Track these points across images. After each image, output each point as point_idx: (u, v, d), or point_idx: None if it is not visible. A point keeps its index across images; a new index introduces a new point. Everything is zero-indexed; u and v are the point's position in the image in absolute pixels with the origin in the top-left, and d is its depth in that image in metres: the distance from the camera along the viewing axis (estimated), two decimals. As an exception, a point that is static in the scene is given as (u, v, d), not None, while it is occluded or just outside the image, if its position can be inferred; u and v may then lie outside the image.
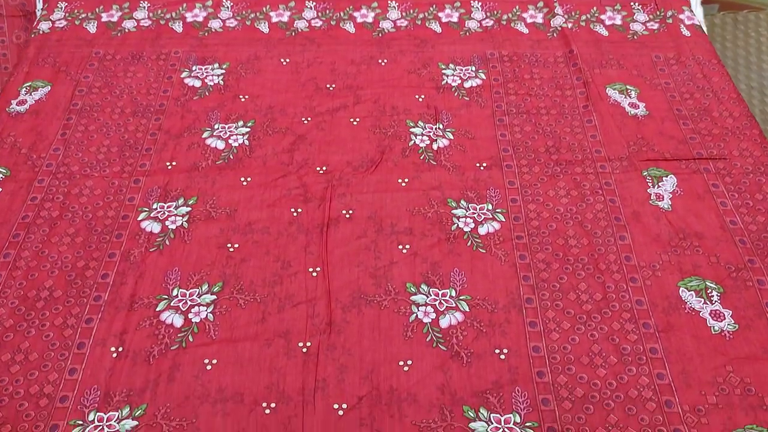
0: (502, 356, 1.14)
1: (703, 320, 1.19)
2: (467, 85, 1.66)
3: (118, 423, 1.06)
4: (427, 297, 1.23)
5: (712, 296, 1.22)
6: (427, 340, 1.17)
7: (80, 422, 1.06)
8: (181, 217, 1.36)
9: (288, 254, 1.29)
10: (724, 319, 1.19)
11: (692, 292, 1.23)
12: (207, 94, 1.64)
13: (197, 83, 1.66)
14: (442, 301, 1.22)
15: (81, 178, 1.43)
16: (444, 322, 1.19)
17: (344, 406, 1.08)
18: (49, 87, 1.64)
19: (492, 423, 1.06)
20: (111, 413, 1.07)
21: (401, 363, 1.13)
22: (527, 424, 1.06)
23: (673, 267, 1.27)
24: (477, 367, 1.13)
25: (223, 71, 1.69)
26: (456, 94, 1.64)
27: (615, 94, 1.63)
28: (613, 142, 1.50)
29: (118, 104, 1.60)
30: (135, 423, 1.06)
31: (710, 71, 1.68)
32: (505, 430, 1.05)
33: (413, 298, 1.22)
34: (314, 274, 1.26)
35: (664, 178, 1.42)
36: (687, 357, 1.14)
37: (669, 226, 1.33)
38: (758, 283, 1.23)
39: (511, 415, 1.07)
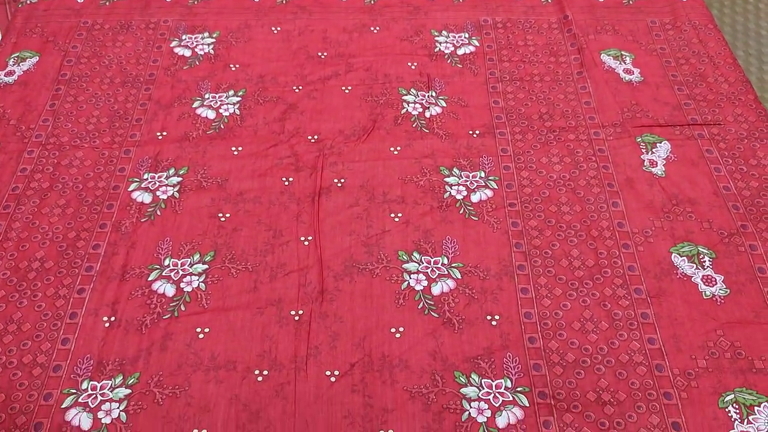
0: (494, 323, 1.14)
1: (694, 285, 1.19)
2: (460, 52, 1.65)
3: (111, 391, 1.07)
4: (419, 265, 1.23)
5: (704, 261, 1.22)
6: (419, 307, 1.17)
7: (74, 391, 1.07)
8: (172, 187, 1.35)
9: (280, 223, 1.29)
10: (716, 284, 1.19)
11: (684, 258, 1.23)
12: (197, 63, 1.62)
13: (187, 52, 1.65)
14: (434, 268, 1.22)
15: (71, 149, 1.42)
16: (436, 290, 1.19)
17: (336, 372, 1.09)
18: (38, 57, 1.62)
19: (483, 388, 1.07)
20: (104, 382, 1.08)
21: (393, 330, 1.14)
22: (518, 389, 1.07)
23: (665, 233, 1.26)
24: (468, 333, 1.13)
25: (213, 40, 1.67)
26: (449, 61, 1.62)
27: (609, 60, 1.61)
28: (607, 109, 1.49)
29: (107, 74, 1.59)
30: (128, 391, 1.07)
31: (706, 36, 1.67)
32: (497, 395, 1.06)
33: (405, 266, 1.22)
34: (306, 242, 1.26)
35: (658, 144, 1.41)
36: (678, 322, 1.14)
37: (662, 192, 1.33)
38: (750, 248, 1.23)
39: (502, 381, 1.08)
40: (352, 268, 1.22)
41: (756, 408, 1.03)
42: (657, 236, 1.26)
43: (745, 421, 1.02)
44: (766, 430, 1.01)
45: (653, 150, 1.40)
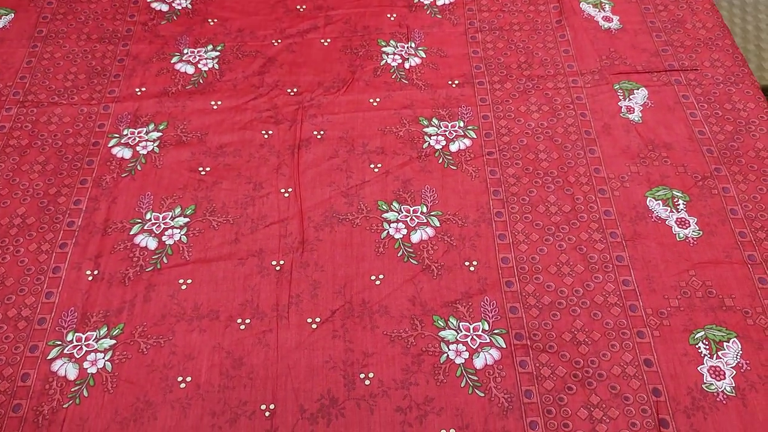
0: (472, 268, 1.17)
1: (668, 228, 1.21)
2: (439, 2, 1.63)
3: (96, 342, 1.09)
4: (399, 214, 1.24)
5: (678, 205, 1.24)
6: (399, 255, 1.19)
7: (59, 342, 1.09)
8: (152, 143, 1.35)
9: (260, 176, 1.29)
10: (689, 226, 1.21)
11: (659, 202, 1.25)
12: (175, 18, 1.61)
13: (164, 7, 1.63)
14: (414, 217, 1.24)
15: (49, 106, 1.41)
16: (415, 238, 1.21)
17: (317, 319, 1.11)
18: (12, 14, 1.60)
19: (461, 331, 1.09)
20: (89, 333, 1.10)
21: (373, 277, 1.16)
22: (495, 331, 1.09)
23: (641, 178, 1.28)
24: (447, 279, 1.15)
25: (191, -6, 1.66)
26: (428, 12, 1.61)
27: (589, 8, 1.60)
28: (586, 57, 1.49)
29: (83, 30, 1.57)
30: (113, 342, 1.09)
31: (686, -18, 1.66)
32: (474, 337, 1.09)
33: (385, 215, 1.24)
34: (286, 194, 1.27)
35: (635, 91, 1.42)
36: (652, 264, 1.17)
37: (638, 138, 1.34)
38: (723, 190, 1.25)
39: (479, 323, 1.10)
40: (332, 219, 1.23)
41: (725, 343, 1.06)
42: (633, 181, 1.28)
43: (714, 356, 1.05)
44: (734, 363, 1.04)
45: (630, 97, 1.41)
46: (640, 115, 1.38)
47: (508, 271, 1.16)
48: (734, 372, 1.03)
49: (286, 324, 1.10)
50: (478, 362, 1.06)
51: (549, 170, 1.30)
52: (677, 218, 1.22)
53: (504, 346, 1.08)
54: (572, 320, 1.10)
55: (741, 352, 1.05)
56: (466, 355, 1.07)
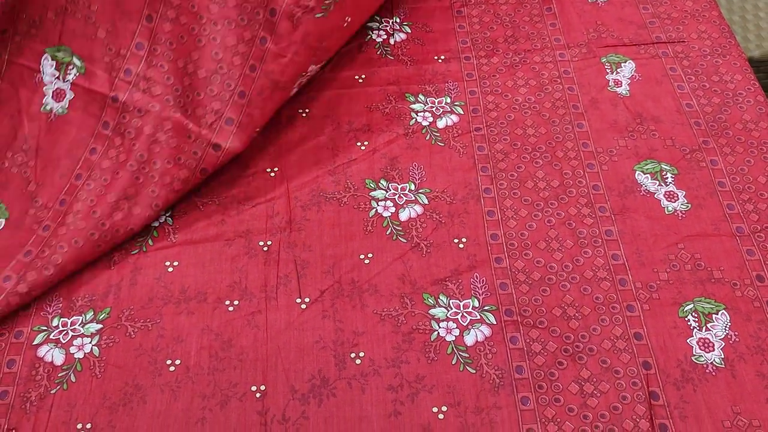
0: (461, 245, 1.16)
1: (657, 202, 1.21)
2: (424, -24, 1.61)
3: (82, 326, 1.07)
4: (387, 192, 1.23)
5: (667, 178, 1.24)
6: (387, 233, 1.18)
7: (44, 328, 1.07)
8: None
9: (244, 156, 1.27)
10: (678, 199, 1.21)
11: (647, 175, 1.24)
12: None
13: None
14: (402, 195, 1.23)
15: None
16: (403, 216, 1.20)
17: (307, 300, 1.10)
18: None
19: (451, 308, 1.09)
20: (74, 317, 1.08)
21: (362, 257, 1.15)
22: (485, 307, 1.09)
23: (629, 151, 1.28)
24: (436, 256, 1.15)
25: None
26: (413, -14, 1.59)
27: (575, -19, 1.59)
28: (573, 30, 1.48)
29: None
30: (99, 326, 1.07)
31: (672, -47, 1.64)
32: (464, 314, 1.08)
33: (372, 193, 1.23)
34: (272, 174, 1.26)
35: (622, 64, 1.41)
36: (641, 238, 1.16)
37: (626, 112, 1.33)
38: (711, 163, 1.25)
39: (470, 300, 1.10)
40: (319, 198, 1.22)
41: (714, 315, 1.07)
42: (621, 155, 1.27)
43: (704, 328, 1.06)
44: (723, 335, 1.04)
45: (618, 70, 1.40)
46: (628, 88, 1.37)
47: (497, 248, 1.16)
48: (723, 344, 1.04)
49: (275, 305, 1.09)
50: (469, 339, 1.06)
51: (537, 145, 1.29)
52: (666, 192, 1.22)
53: (494, 322, 1.07)
54: (562, 295, 1.10)
55: (730, 323, 1.06)
56: (456, 332, 1.06)
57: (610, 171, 1.25)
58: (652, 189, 1.23)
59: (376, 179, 1.25)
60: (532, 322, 1.07)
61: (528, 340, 1.05)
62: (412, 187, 1.24)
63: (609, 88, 1.37)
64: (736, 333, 1.04)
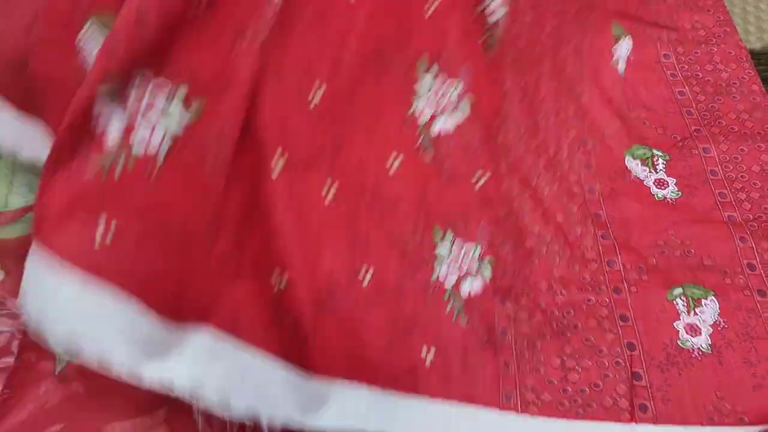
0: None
1: (647, 188, 1.20)
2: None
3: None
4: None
5: (658, 164, 1.22)
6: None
7: None
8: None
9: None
10: (668, 186, 1.20)
11: (638, 161, 1.23)
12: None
13: None
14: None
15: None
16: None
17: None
18: None
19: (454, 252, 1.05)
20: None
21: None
22: (486, 258, 1.07)
23: (621, 135, 1.26)
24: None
25: None
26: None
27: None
28: None
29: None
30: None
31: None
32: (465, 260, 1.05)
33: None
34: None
35: (622, 39, 1.36)
36: (631, 222, 1.15)
37: (621, 94, 1.31)
38: (703, 150, 1.24)
39: (473, 246, 1.07)
40: None
41: (703, 300, 1.06)
42: (612, 138, 1.25)
43: (692, 313, 1.04)
44: (712, 321, 1.04)
45: (619, 43, 1.36)
46: (624, 68, 1.34)
47: (486, 224, 1.12)
48: (711, 330, 1.03)
49: None
50: (464, 289, 1.03)
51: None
52: (656, 179, 1.20)
53: (490, 276, 1.05)
54: (550, 269, 1.08)
55: (719, 310, 1.05)
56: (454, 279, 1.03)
57: (602, 152, 1.23)
58: (641, 176, 1.21)
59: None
60: (520, 291, 1.05)
61: (516, 308, 1.04)
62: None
63: (612, 62, 1.34)
64: (725, 320, 1.04)
